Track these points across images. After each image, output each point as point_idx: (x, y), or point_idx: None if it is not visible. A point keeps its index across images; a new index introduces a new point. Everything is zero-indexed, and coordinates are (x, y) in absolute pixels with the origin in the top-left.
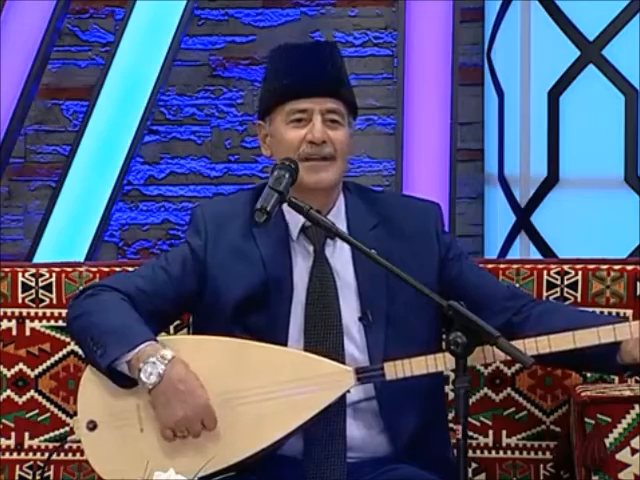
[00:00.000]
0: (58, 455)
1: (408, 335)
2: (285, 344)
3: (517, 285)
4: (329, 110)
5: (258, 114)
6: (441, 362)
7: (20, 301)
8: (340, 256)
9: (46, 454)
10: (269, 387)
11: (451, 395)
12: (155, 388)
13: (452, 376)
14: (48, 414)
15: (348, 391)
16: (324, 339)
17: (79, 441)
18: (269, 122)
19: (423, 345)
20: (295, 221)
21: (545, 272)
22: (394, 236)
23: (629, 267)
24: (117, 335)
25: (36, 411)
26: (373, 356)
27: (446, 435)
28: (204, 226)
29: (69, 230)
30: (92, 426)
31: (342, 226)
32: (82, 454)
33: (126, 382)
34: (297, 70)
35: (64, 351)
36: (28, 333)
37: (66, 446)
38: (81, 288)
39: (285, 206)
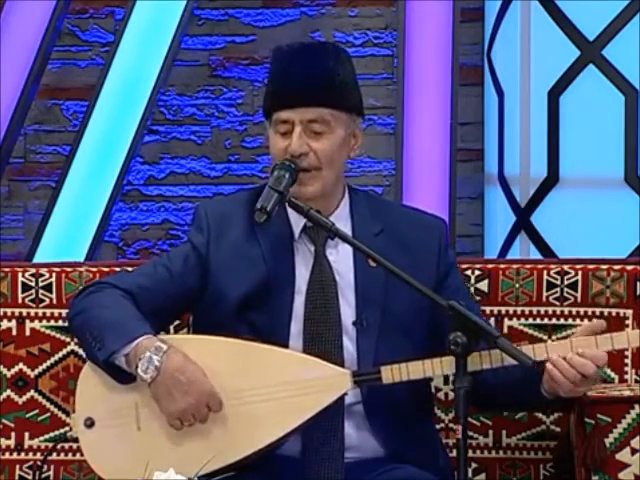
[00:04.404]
0: (58, 455)
1: (401, 339)
2: (286, 342)
3: (517, 285)
4: (310, 120)
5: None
6: (438, 367)
7: (20, 301)
8: (342, 257)
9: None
10: (268, 388)
11: (451, 395)
12: (154, 381)
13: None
14: (48, 414)
15: (345, 393)
16: (323, 338)
17: (76, 439)
18: (268, 125)
19: (416, 348)
20: (297, 221)
21: (545, 272)
22: (396, 245)
23: (629, 267)
24: (115, 329)
25: (36, 411)
26: (362, 362)
27: (434, 436)
28: (207, 224)
29: (69, 230)
30: (89, 423)
31: (346, 229)
32: (82, 454)
33: (125, 377)
34: (282, 77)
35: (64, 351)
36: (28, 333)
37: (66, 446)
38: (82, 286)
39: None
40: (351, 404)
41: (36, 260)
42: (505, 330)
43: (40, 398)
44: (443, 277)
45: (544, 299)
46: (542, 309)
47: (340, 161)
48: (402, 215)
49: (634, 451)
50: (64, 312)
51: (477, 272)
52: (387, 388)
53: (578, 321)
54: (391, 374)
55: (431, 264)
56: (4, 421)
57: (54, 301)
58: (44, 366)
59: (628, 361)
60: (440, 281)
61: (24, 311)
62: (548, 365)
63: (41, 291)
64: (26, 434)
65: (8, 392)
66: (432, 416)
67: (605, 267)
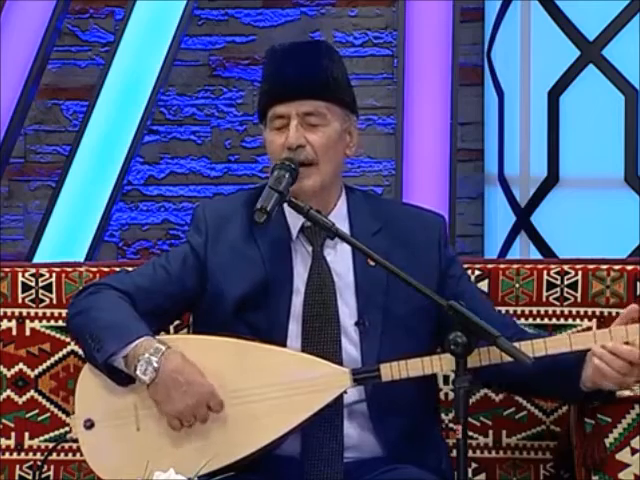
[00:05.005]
0: (58, 455)
1: (404, 338)
2: (284, 343)
3: (517, 285)
4: (306, 113)
5: (258, 118)
6: (437, 364)
7: (20, 301)
8: (340, 257)
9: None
10: (267, 387)
11: (451, 395)
12: (153, 383)
13: (452, 376)
14: (48, 414)
15: (345, 392)
16: (322, 339)
17: (76, 440)
18: (264, 127)
19: (419, 348)
20: (295, 221)
21: (545, 272)
22: (396, 243)
23: (629, 267)
24: (114, 331)
25: (36, 411)
26: (366, 363)
27: (438, 440)
28: (205, 225)
29: (69, 230)
30: (89, 424)
31: (344, 228)
32: (82, 454)
33: (124, 379)
34: (276, 74)
35: (64, 351)
36: (28, 333)
37: (66, 446)
38: (82, 286)
39: (286, 206)
40: (355, 403)
41: (36, 260)
42: None
43: (40, 398)
44: (445, 270)
45: (544, 299)
46: (542, 309)
47: (337, 156)
48: (401, 213)
49: (634, 451)
50: (64, 312)
51: (477, 272)
52: (392, 388)
53: (578, 321)
54: (390, 371)
55: (433, 260)
56: (4, 421)
57: (54, 301)
58: (44, 366)
59: None
60: (443, 275)
61: (24, 311)
62: (595, 360)
63: (41, 291)
64: (26, 434)
65: (8, 392)
66: (438, 418)
67: (605, 267)
